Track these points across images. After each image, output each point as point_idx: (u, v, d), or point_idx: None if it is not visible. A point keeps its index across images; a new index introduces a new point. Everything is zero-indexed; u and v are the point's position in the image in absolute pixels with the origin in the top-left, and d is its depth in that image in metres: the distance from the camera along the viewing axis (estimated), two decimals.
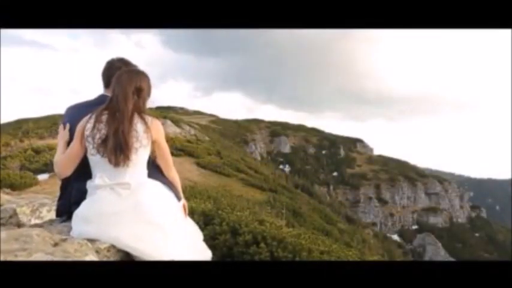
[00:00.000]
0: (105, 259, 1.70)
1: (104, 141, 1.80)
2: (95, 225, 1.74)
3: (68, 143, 2.01)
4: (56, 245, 1.63)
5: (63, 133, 2.07)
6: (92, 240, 1.72)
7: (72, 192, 2.00)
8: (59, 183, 2.22)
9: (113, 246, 1.74)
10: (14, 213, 2.48)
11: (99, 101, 2.06)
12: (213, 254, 2.16)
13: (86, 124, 1.86)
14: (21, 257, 1.45)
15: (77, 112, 2.06)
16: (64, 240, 1.68)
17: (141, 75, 1.96)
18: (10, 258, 1.43)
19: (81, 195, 1.88)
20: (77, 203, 1.86)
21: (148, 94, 1.98)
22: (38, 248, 1.54)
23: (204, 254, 2.07)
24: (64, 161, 1.95)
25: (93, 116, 1.86)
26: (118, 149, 1.79)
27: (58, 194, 2.21)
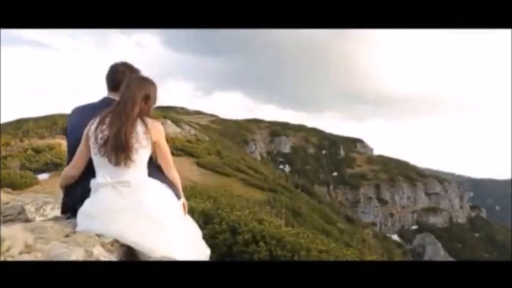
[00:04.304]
0: (108, 253, 1.77)
1: (106, 141, 1.88)
2: (98, 221, 1.83)
3: (73, 144, 2.11)
4: (67, 236, 1.75)
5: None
6: (97, 235, 1.80)
7: (77, 190, 2.07)
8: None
9: (116, 241, 1.83)
10: (22, 210, 2.56)
11: (104, 103, 2.16)
12: (213, 252, 2.18)
13: (91, 126, 1.95)
14: (40, 244, 1.56)
15: (83, 112, 2.16)
16: (74, 232, 1.82)
17: (149, 83, 2.06)
18: (31, 244, 1.54)
19: (86, 193, 1.96)
20: (82, 201, 1.95)
21: (154, 101, 2.08)
22: (53, 237, 1.67)
23: (203, 251, 2.14)
24: (72, 163, 2.06)
25: (98, 118, 1.95)
26: (119, 149, 1.86)
27: (62, 191, 2.27)
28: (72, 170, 2.06)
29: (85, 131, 1.99)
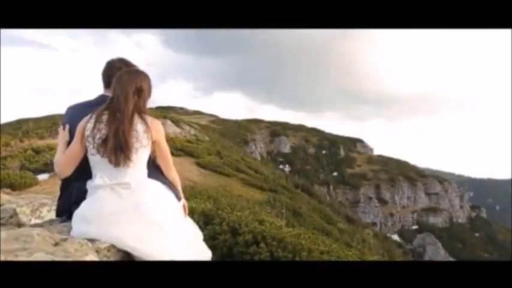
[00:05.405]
0: (105, 259, 1.70)
1: (104, 141, 1.80)
2: (95, 225, 1.74)
3: (68, 143, 2.00)
4: (56, 244, 1.63)
5: (63, 133, 2.06)
6: (92, 240, 1.71)
7: (73, 192, 2.00)
8: (59, 183, 2.21)
9: (113, 246, 1.73)
10: (14, 213, 2.47)
11: (99, 100, 2.06)
12: (213, 253, 2.15)
13: (86, 124, 1.86)
14: (22, 257, 1.45)
15: (77, 112, 2.05)
16: (64, 240, 1.68)
17: (141, 75, 1.96)
18: (10, 258, 1.42)
19: (82, 195, 1.88)
20: (77, 203, 1.86)
21: (149, 94, 1.98)
22: (39, 247, 1.54)
23: (204, 253, 2.07)
24: (64, 161, 1.94)
25: (94, 116, 1.86)
26: (118, 149, 1.78)
27: (58, 193, 2.20)
28: (66, 170, 1.94)
29: (79, 129, 1.89)
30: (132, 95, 1.87)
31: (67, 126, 2.06)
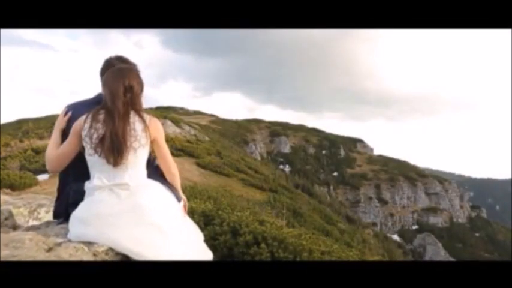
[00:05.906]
0: None
1: (101, 140, 1.76)
2: (93, 227, 1.69)
3: (63, 133, 1.97)
4: (49, 250, 1.57)
5: (61, 120, 2.02)
6: (89, 243, 1.68)
7: (70, 193, 1.96)
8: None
9: (111, 249, 1.69)
10: (10, 215, 2.43)
11: (97, 99, 2.02)
12: (214, 254, 2.12)
13: (84, 124, 1.83)
14: None
15: (75, 110, 2.03)
16: (59, 244, 1.62)
17: (128, 72, 1.89)
18: None
19: (79, 196, 1.85)
20: (75, 204, 1.82)
21: (141, 90, 1.91)
22: (29, 254, 1.48)
23: (204, 255, 2.02)
24: (57, 158, 1.90)
25: (90, 116, 1.82)
26: (115, 149, 1.74)
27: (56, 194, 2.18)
28: (57, 167, 1.91)
29: (75, 127, 1.85)
30: (123, 94, 1.81)
31: (69, 113, 2.02)
